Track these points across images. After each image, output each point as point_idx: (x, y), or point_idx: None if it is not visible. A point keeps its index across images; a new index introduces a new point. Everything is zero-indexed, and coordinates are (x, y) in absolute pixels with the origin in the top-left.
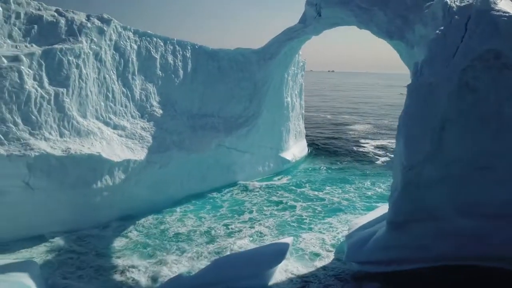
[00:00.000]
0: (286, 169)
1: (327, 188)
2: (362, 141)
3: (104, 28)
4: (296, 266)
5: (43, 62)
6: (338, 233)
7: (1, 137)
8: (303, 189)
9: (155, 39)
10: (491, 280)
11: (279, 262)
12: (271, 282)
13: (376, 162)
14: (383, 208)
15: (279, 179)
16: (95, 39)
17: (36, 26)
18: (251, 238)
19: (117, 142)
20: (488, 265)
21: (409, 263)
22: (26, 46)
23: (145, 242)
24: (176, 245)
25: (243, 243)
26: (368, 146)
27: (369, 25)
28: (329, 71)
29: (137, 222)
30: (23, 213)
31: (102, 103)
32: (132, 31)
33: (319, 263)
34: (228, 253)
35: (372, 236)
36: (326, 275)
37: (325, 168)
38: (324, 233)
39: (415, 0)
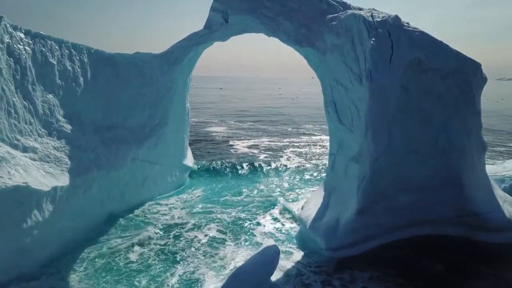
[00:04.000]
0: (188, 178)
1: (244, 190)
2: (231, 142)
3: None
4: (280, 267)
5: None
6: (282, 224)
7: None
8: (224, 197)
9: (49, 41)
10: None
11: (276, 266)
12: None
13: (260, 159)
14: (316, 196)
15: (192, 190)
16: None
17: None
18: (211, 246)
19: (33, 167)
20: (422, 234)
21: (370, 241)
22: None
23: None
24: (139, 276)
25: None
26: (240, 146)
27: (277, 33)
28: None
29: (76, 260)
30: None
31: (5, 121)
32: (23, 31)
33: (294, 259)
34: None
35: (336, 224)
36: (311, 271)
37: (223, 171)
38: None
39: (313, 12)
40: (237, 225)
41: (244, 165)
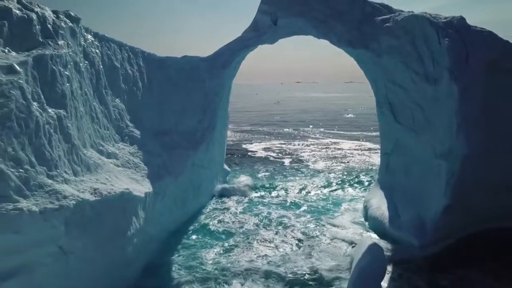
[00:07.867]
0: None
1: (284, 193)
2: (244, 146)
3: (75, 29)
4: None
5: (36, 74)
6: (351, 222)
7: (22, 185)
8: (268, 199)
9: (112, 44)
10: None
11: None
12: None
13: (283, 161)
14: (374, 196)
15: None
16: (70, 43)
17: (6, 23)
18: (309, 246)
19: (121, 173)
20: (492, 227)
21: (449, 238)
22: (3, 51)
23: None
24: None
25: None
26: (256, 148)
27: (328, 35)
28: None
29: (171, 269)
30: None
31: (91, 127)
32: (92, 33)
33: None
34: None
35: (421, 221)
36: (405, 269)
37: (252, 175)
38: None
39: (360, 14)
40: (308, 225)
41: (270, 168)
